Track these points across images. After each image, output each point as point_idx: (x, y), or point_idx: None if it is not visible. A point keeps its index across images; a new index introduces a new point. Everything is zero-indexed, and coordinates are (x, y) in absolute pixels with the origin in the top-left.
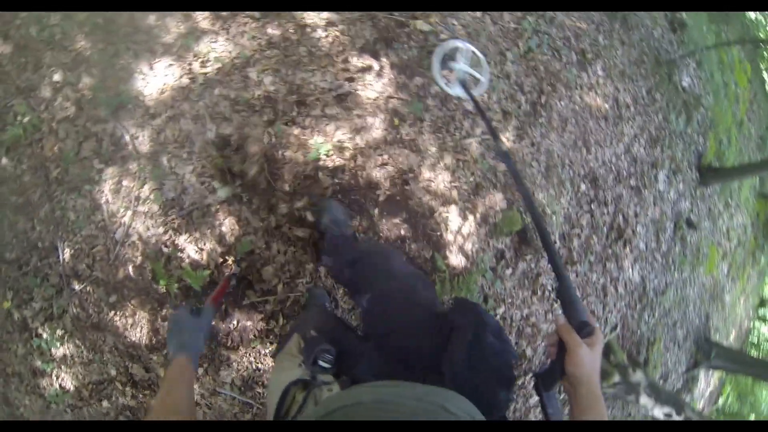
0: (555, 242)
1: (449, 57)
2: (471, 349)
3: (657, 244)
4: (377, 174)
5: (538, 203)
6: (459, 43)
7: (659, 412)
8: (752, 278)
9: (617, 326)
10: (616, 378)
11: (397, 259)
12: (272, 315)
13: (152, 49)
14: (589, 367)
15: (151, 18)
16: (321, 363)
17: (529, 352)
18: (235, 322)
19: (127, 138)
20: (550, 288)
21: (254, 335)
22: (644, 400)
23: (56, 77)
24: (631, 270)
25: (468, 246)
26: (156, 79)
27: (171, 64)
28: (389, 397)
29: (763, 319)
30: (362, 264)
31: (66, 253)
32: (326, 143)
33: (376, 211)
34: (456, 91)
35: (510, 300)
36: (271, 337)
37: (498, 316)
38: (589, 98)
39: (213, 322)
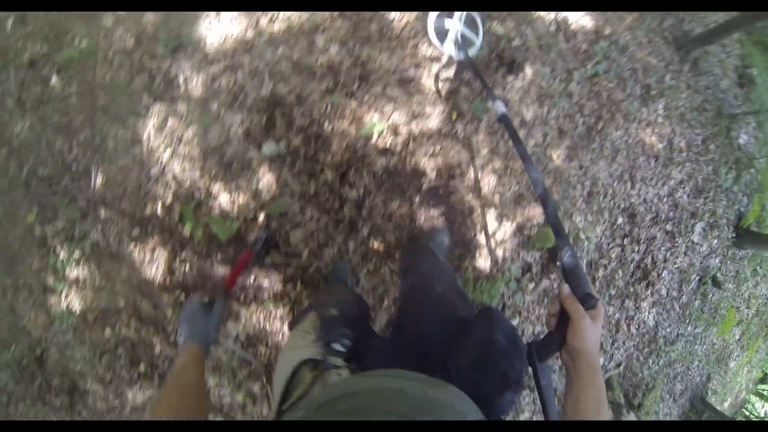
0: (583, 268)
1: (445, 14)
2: (479, 348)
3: (678, 294)
4: (426, 163)
5: (574, 226)
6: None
7: None
8: (761, 351)
9: (621, 364)
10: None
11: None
12: (291, 279)
13: None
14: (591, 339)
15: None
16: (335, 347)
17: None
18: (252, 279)
19: (181, 79)
20: None
21: (269, 295)
22: None
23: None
24: (647, 313)
25: (499, 252)
26: (220, 27)
27: (237, 16)
28: (393, 386)
29: (759, 395)
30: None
31: (98, 180)
32: (382, 122)
33: (417, 198)
34: (449, 49)
35: (526, 314)
36: (285, 300)
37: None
38: (644, 134)
39: (224, 313)
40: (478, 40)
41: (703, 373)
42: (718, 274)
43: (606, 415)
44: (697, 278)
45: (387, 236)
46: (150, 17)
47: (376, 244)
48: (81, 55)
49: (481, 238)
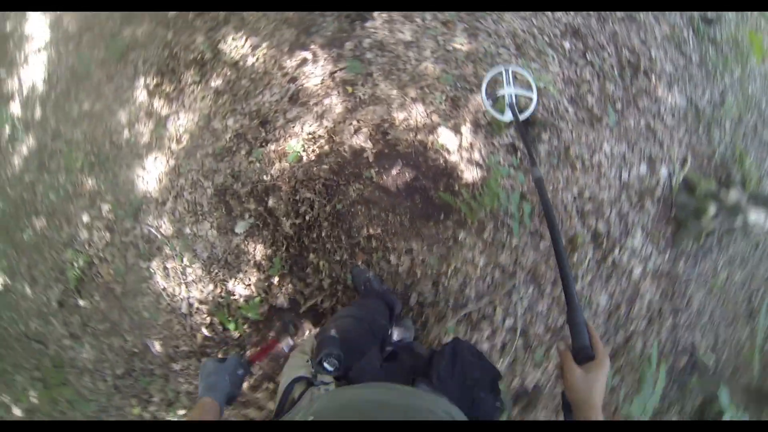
0: (566, 109)
1: (495, 83)
2: (451, 363)
3: (685, 59)
4: (357, 140)
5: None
6: (502, 67)
7: None
8: None
9: (687, 158)
10: (712, 210)
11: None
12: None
13: (138, 153)
14: (582, 392)
15: (125, 132)
16: (326, 365)
17: (602, 227)
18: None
19: (153, 231)
20: (587, 155)
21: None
22: (753, 216)
23: (85, 218)
24: (670, 97)
25: (476, 156)
26: (152, 174)
27: (156, 157)
28: (376, 398)
29: None
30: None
31: (156, 346)
32: (299, 141)
33: (373, 171)
34: (507, 116)
35: (551, 186)
36: None
37: None
38: None
39: (244, 375)
40: (534, 96)
41: None
42: (707, 14)
43: None
44: (690, 32)
45: (370, 221)
46: (105, 207)
47: (364, 233)
48: (83, 271)
49: (452, 157)
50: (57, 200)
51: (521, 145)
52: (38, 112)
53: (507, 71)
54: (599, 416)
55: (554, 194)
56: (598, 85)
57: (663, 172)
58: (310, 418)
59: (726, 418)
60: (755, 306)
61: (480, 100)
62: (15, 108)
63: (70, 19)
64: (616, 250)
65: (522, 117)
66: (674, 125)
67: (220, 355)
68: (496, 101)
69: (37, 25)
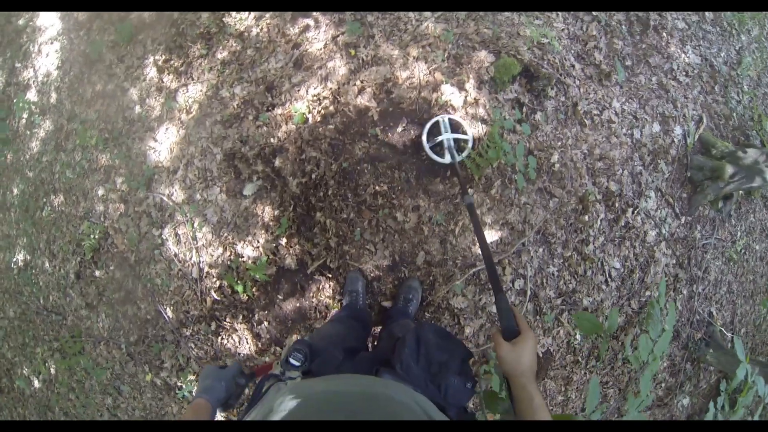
0: (572, 65)
1: (433, 132)
2: (415, 349)
3: (698, 16)
4: (361, 100)
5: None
6: (438, 118)
7: None
8: None
9: (702, 118)
10: (729, 170)
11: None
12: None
13: (149, 126)
14: (512, 362)
15: (136, 108)
16: (291, 360)
17: (614, 186)
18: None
19: (165, 199)
20: (596, 112)
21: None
22: None
23: (100, 192)
24: (683, 54)
25: (480, 112)
26: (163, 145)
27: (167, 128)
28: (337, 388)
29: None
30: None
31: (168, 312)
32: (304, 103)
33: (378, 129)
34: (447, 158)
35: (560, 143)
36: None
37: (556, 165)
38: None
39: (245, 384)
40: (469, 138)
41: None
42: None
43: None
44: None
45: (376, 178)
46: (119, 180)
47: (370, 190)
48: (99, 241)
49: (457, 115)
50: (74, 177)
51: (526, 98)
52: (53, 97)
53: (443, 120)
54: (531, 382)
55: (563, 151)
56: (606, 41)
57: (677, 131)
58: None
59: (749, 396)
60: None
61: (483, 56)
62: (31, 95)
63: None
64: (630, 212)
65: (459, 158)
66: (688, 83)
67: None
68: (436, 145)
69: (48, 17)
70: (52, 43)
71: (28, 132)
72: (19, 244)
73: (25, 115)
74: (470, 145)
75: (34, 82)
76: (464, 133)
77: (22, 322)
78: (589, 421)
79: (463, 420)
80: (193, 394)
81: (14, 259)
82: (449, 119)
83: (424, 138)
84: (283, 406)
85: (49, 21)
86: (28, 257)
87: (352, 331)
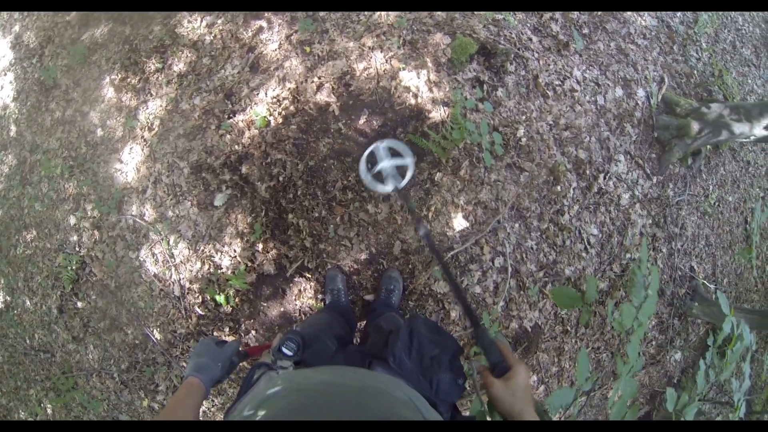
0: (530, 38)
1: (371, 161)
2: (408, 343)
3: None
4: (320, 96)
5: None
6: (373, 146)
7: (760, 129)
8: None
9: (663, 78)
10: (695, 127)
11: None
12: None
13: (113, 148)
14: (508, 402)
15: (98, 131)
16: (284, 349)
17: (583, 154)
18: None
19: (138, 220)
20: (557, 83)
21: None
22: (738, 127)
23: (72, 221)
24: (639, 18)
25: (440, 95)
26: (129, 165)
27: (131, 148)
28: (334, 380)
29: None
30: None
31: (155, 334)
32: (264, 107)
33: (341, 124)
34: (389, 186)
35: (524, 117)
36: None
37: (523, 139)
38: None
39: (237, 363)
40: (409, 161)
41: (758, 16)
42: None
43: None
44: None
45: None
46: (89, 207)
47: (339, 185)
48: (76, 272)
49: (419, 100)
50: (43, 209)
51: (486, 76)
52: (13, 130)
53: (378, 148)
54: (530, 415)
55: (528, 124)
56: (561, 11)
57: (640, 93)
58: (261, 413)
59: (736, 346)
60: (751, 229)
61: (438, 39)
62: None
63: (29, 34)
64: (601, 177)
65: (401, 184)
66: (647, 46)
67: (216, 339)
68: (376, 176)
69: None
70: (5, 74)
71: None
72: None
73: None
74: (411, 172)
75: None
76: (403, 156)
77: (11, 365)
78: (589, 422)
79: (463, 420)
80: (186, 368)
81: None
82: (386, 146)
83: (362, 168)
84: (279, 397)
85: (1, 52)
86: (8, 298)
87: (337, 321)
